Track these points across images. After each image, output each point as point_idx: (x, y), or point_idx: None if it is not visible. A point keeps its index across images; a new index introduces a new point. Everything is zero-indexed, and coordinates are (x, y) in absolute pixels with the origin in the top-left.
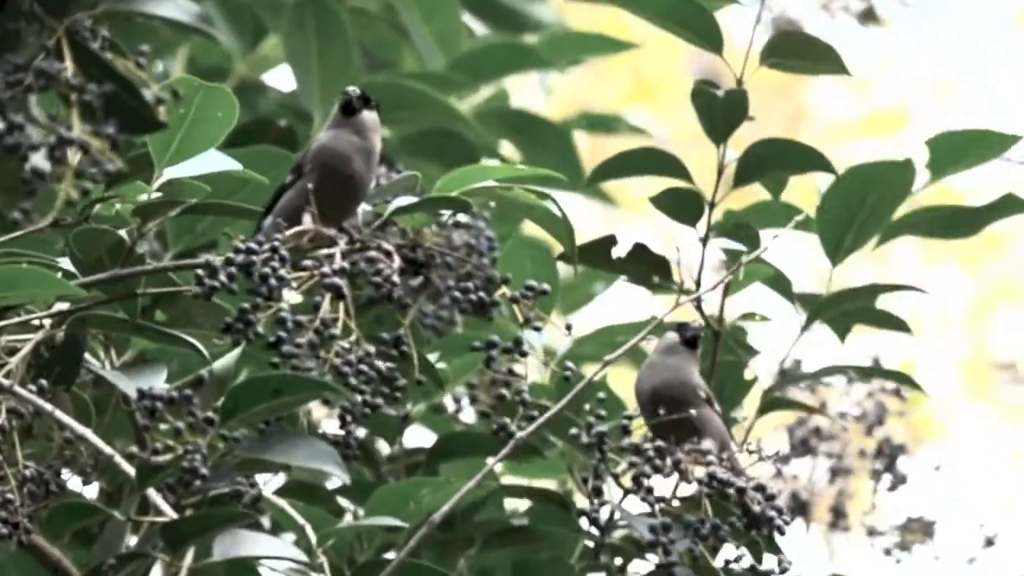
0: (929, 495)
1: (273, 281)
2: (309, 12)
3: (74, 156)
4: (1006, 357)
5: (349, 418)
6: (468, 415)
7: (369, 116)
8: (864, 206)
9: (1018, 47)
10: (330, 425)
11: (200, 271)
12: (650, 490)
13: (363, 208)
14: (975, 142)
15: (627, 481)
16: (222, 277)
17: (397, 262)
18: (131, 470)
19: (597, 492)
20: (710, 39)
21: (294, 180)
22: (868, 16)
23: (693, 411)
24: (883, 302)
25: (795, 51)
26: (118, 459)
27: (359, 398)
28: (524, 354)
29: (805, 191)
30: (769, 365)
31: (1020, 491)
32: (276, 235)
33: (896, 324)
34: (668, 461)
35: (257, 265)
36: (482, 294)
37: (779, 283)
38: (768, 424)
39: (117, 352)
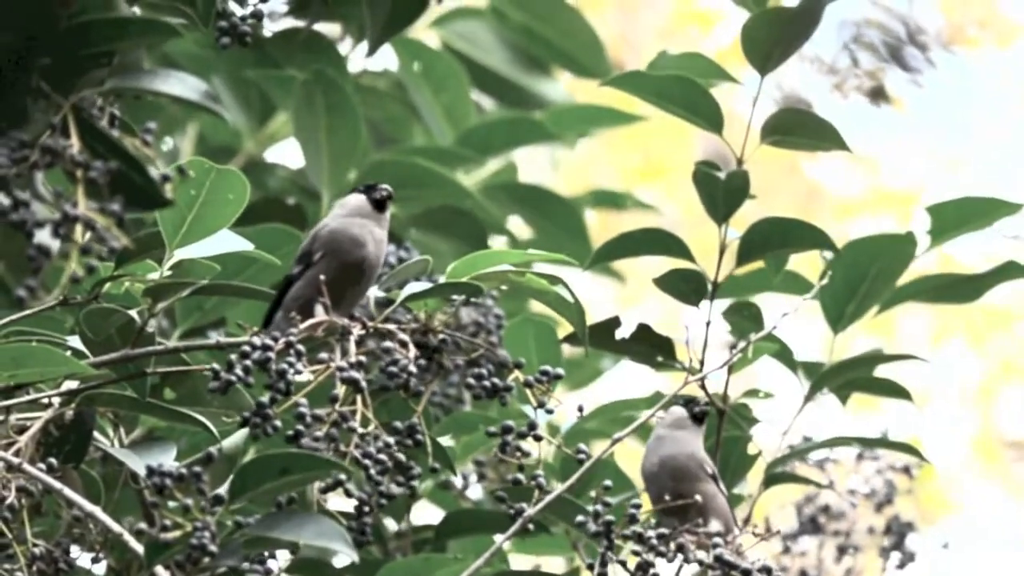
0: (938, 573)
1: (290, 376)
2: (319, 90)
3: (80, 233)
4: (1016, 435)
5: (366, 508)
6: (475, 491)
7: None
8: (866, 277)
9: None
10: (337, 500)
11: (216, 365)
12: None
13: (374, 292)
14: (976, 209)
15: (633, 566)
16: (238, 371)
17: (413, 352)
18: (140, 547)
19: None
20: (710, 119)
21: (303, 270)
22: (880, 95)
23: (698, 496)
24: (892, 378)
25: (795, 128)
26: (127, 536)
27: (374, 486)
28: (539, 438)
29: (803, 263)
30: (774, 438)
31: None
32: (291, 329)
33: (898, 392)
34: (672, 546)
35: (273, 360)
36: (495, 379)
37: (782, 355)
38: (777, 501)
39: (126, 430)
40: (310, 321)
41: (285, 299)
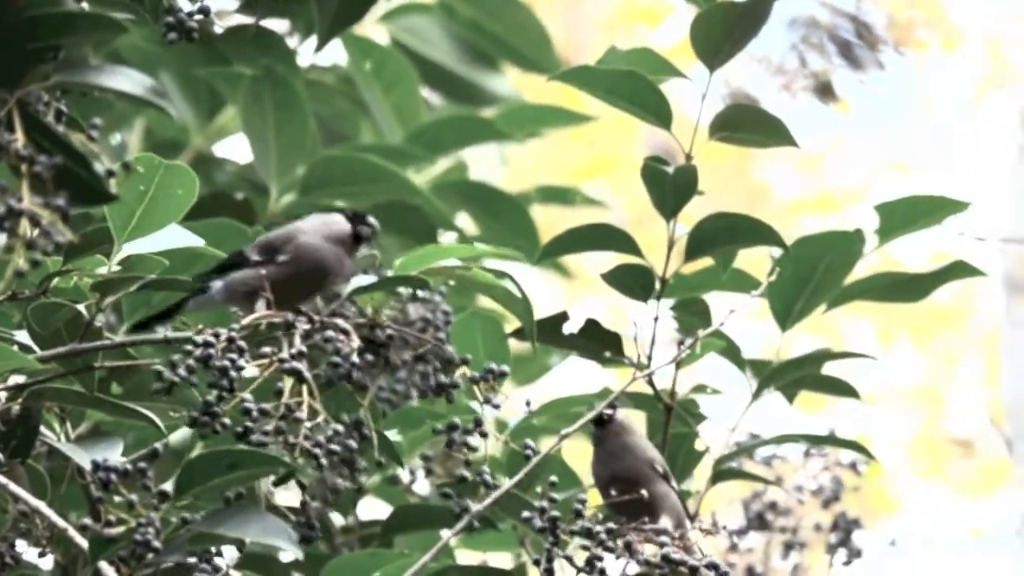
0: (884, 570)
1: (233, 373)
2: (266, 85)
3: (25, 227)
4: (960, 433)
5: (311, 501)
6: (422, 486)
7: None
8: (814, 274)
9: (975, 125)
10: (283, 496)
11: (160, 366)
12: (603, 572)
13: None
14: (924, 207)
15: (580, 562)
16: (182, 371)
17: (356, 342)
18: (84, 543)
19: (549, 574)
20: (659, 114)
21: (261, 261)
22: (827, 93)
23: (644, 492)
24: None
25: (744, 124)
26: (72, 532)
27: (320, 477)
28: (484, 435)
29: (751, 261)
30: (721, 435)
31: (975, 568)
32: (233, 324)
33: (846, 391)
34: (619, 543)
35: (216, 356)
36: (441, 376)
37: (730, 352)
38: (724, 497)
39: (72, 424)
40: (252, 316)
41: (233, 276)
